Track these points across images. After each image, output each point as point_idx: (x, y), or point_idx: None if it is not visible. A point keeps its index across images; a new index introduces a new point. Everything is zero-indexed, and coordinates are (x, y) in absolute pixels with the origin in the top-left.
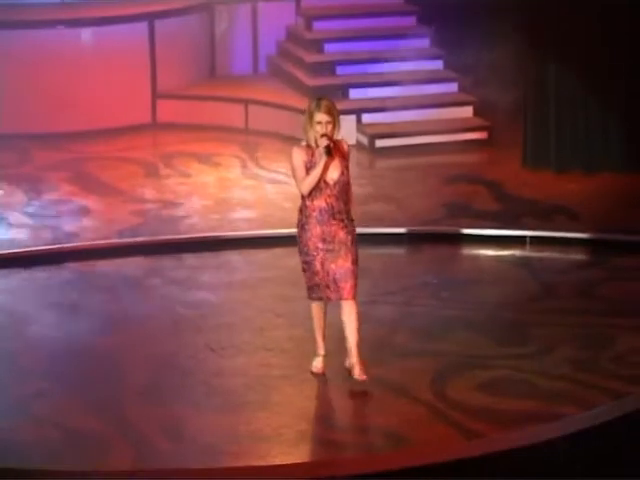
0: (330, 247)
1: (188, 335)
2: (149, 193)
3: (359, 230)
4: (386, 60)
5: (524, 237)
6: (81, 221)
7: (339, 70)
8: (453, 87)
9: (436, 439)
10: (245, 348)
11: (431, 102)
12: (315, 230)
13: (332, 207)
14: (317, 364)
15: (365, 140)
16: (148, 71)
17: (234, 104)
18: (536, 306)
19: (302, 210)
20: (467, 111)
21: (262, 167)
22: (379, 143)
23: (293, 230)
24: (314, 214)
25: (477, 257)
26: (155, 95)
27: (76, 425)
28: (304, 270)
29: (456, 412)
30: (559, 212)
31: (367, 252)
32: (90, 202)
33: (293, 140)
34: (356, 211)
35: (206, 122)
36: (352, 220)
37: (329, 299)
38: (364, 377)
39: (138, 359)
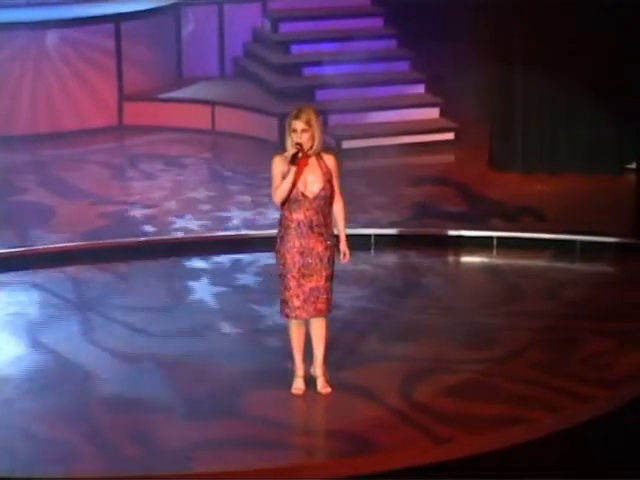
0: (307, 261)
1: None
2: (114, 195)
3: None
4: (353, 61)
5: (491, 238)
6: (46, 224)
7: (306, 71)
8: (420, 88)
9: (403, 444)
10: (211, 354)
11: (398, 103)
12: (293, 242)
13: (311, 221)
14: (298, 385)
15: (332, 142)
16: (114, 73)
17: (201, 106)
18: (503, 309)
19: (281, 222)
20: (434, 112)
21: (229, 169)
22: (346, 144)
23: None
24: (292, 226)
25: (443, 259)
26: (122, 97)
27: (45, 433)
28: (281, 279)
29: (424, 416)
30: (526, 213)
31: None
32: (55, 205)
33: (259, 141)
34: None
35: (172, 124)
36: (333, 235)
37: (301, 317)
38: (328, 389)
39: (106, 366)
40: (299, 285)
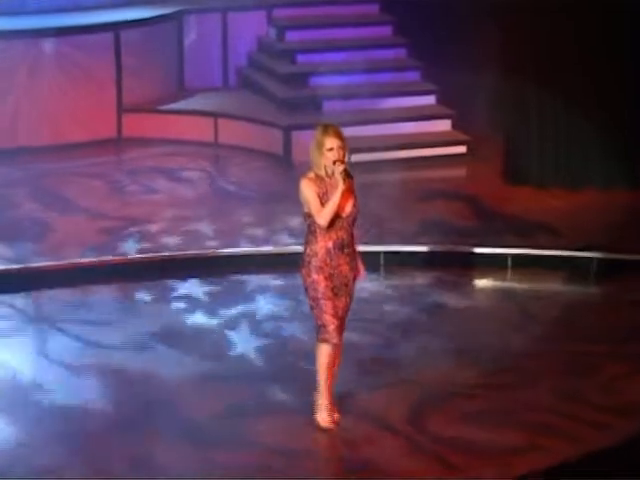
0: (336, 283)
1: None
2: (114, 210)
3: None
4: (361, 71)
5: (504, 256)
6: (43, 240)
7: (312, 82)
8: (431, 99)
9: (416, 471)
10: (216, 381)
11: (408, 115)
12: (325, 265)
13: (342, 241)
14: (326, 416)
15: None
16: (114, 83)
17: (203, 117)
18: (518, 334)
19: (310, 244)
20: (445, 124)
21: (232, 183)
22: (353, 158)
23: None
24: (326, 248)
25: (455, 278)
26: (121, 108)
27: (43, 459)
28: (312, 308)
29: (436, 444)
30: (541, 229)
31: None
32: (52, 220)
33: (265, 155)
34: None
35: (174, 136)
36: (357, 252)
37: (338, 339)
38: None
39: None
40: (334, 307)
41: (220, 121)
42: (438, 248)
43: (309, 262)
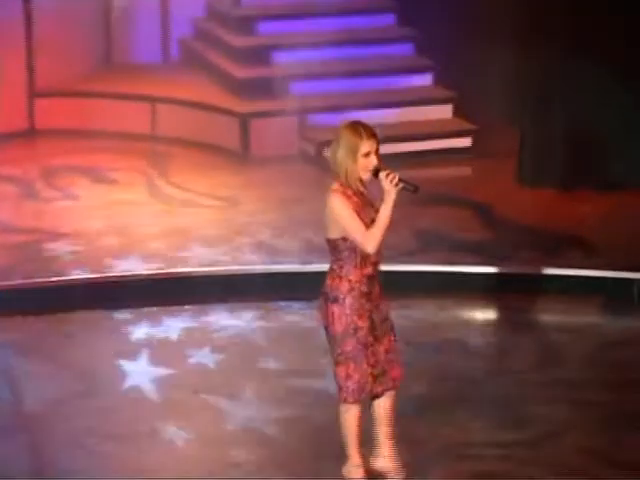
0: (377, 320)
1: None
2: (22, 221)
3: (302, 269)
4: (338, 44)
5: (522, 277)
6: None
7: (276, 57)
8: (427, 79)
9: None
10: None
11: (397, 99)
12: (365, 302)
13: (375, 268)
14: (359, 475)
15: (311, 149)
16: (23, 61)
17: (137, 103)
18: (539, 377)
19: (341, 277)
20: (445, 110)
21: (175, 185)
22: (326, 153)
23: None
24: (366, 278)
25: (462, 305)
26: (32, 93)
27: None
28: (339, 364)
29: None
30: (568, 244)
31: None
32: None
33: (217, 149)
34: (300, 243)
35: (100, 127)
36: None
37: (377, 395)
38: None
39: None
40: (374, 354)
41: (159, 107)
42: (440, 267)
43: (343, 300)
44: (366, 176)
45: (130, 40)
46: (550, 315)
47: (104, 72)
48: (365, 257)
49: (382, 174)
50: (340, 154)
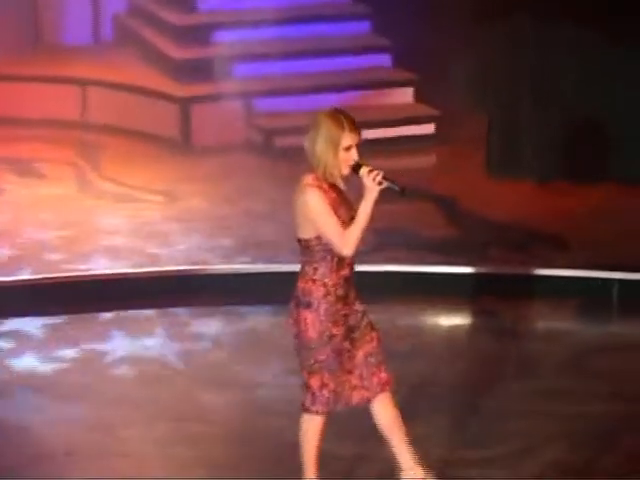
0: (352, 323)
1: None
2: None
3: (252, 269)
4: (286, 22)
5: (491, 278)
6: None
7: (219, 37)
8: (385, 59)
9: None
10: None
11: (352, 81)
12: (336, 310)
13: (352, 269)
14: None
15: (259, 137)
16: None
17: (66, 86)
18: (511, 388)
19: (311, 282)
20: (405, 94)
21: (109, 179)
22: (280, 142)
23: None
24: (343, 280)
25: (428, 311)
26: None
27: None
28: (312, 373)
29: None
30: (542, 241)
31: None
32: None
33: (154, 138)
34: (246, 241)
35: (25, 114)
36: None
37: (360, 402)
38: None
39: None
40: (350, 359)
41: (90, 91)
42: (399, 267)
43: (317, 306)
44: (347, 171)
45: (59, 19)
46: (525, 319)
47: (31, 54)
48: (342, 258)
49: (364, 170)
50: (319, 146)
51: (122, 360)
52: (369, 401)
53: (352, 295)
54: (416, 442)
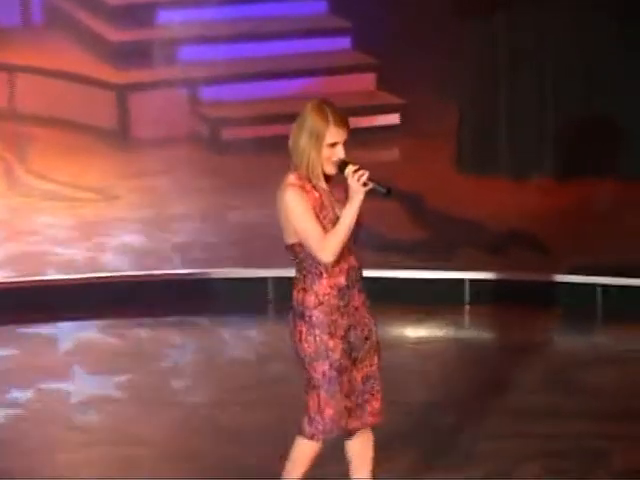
0: (355, 341)
1: None
2: None
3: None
4: (236, 2)
5: (463, 283)
6: None
7: (161, 17)
8: (344, 42)
9: None
10: None
11: (308, 67)
12: (331, 322)
13: (355, 269)
14: None
15: (204, 128)
16: None
17: None
18: (489, 405)
19: (307, 289)
20: (366, 80)
21: (40, 175)
22: (228, 134)
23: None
24: (337, 289)
25: (392, 319)
26: None
27: None
28: (309, 391)
29: None
30: (517, 243)
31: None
32: None
33: (89, 129)
34: (191, 248)
35: None
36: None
37: (351, 432)
38: None
39: None
40: (349, 381)
41: (19, 78)
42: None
43: (309, 317)
44: (332, 170)
45: None
46: (498, 329)
47: None
48: (334, 265)
49: (349, 170)
50: (302, 140)
51: None
52: (358, 430)
53: (354, 306)
54: (385, 466)
